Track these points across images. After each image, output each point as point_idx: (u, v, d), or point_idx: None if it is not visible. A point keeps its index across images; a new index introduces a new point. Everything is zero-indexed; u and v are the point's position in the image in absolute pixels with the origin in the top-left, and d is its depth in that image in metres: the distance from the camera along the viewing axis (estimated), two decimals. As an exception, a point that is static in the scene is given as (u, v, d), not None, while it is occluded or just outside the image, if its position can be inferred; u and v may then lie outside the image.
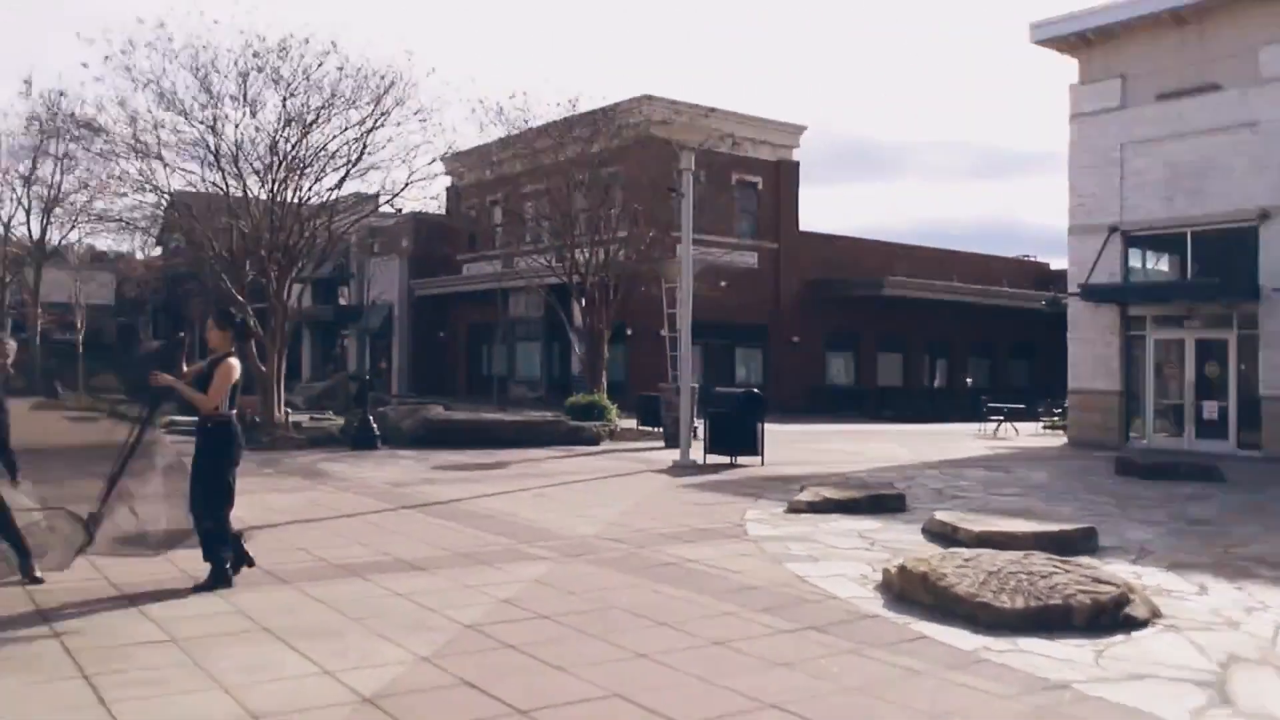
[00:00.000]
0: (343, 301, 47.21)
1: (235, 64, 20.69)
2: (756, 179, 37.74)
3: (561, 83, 70.52)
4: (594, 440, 19.73)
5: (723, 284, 29.47)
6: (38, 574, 7.30)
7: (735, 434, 16.77)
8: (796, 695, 5.20)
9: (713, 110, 29.58)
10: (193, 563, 7.52)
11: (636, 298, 26.67)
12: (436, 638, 6.09)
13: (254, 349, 21.36)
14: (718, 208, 29.09)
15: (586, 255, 24.95)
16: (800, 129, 39.49)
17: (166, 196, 22.73)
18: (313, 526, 9.94)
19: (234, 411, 7.42)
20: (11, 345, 7.44)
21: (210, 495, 7.20)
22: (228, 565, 7.29)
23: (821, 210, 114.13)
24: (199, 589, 7.12)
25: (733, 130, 29.86)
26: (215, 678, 5.27)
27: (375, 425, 18.23)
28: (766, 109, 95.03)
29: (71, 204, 33.14)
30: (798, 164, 39.52)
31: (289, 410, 21.69)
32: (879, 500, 11.69)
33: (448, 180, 34.37)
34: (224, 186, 21.54)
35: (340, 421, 20.64)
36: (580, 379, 27.64)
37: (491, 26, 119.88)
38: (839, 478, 14.42)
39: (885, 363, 41.45)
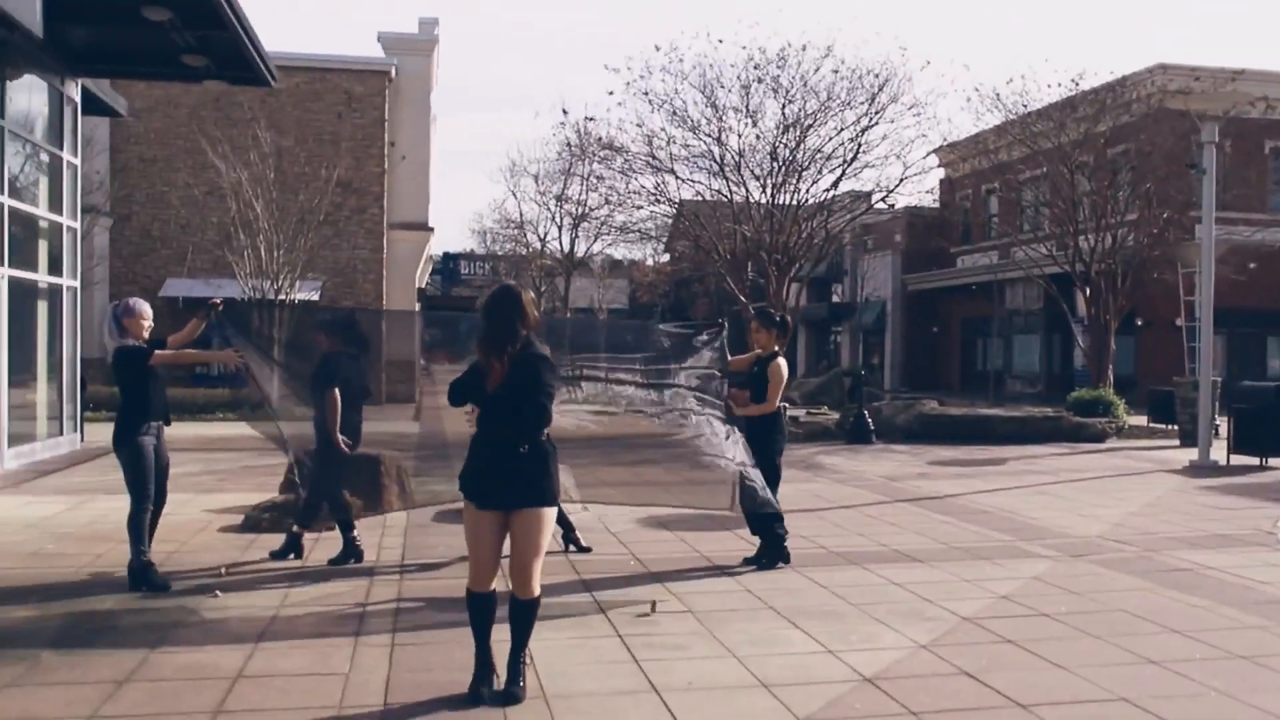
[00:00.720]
0: (836, 299, 48.17)
1: (738, 78, 22.05)
2: (1297, 143, 33.36)
3: (1063, 61, 66.81)
4: (1098, 437, 18.62)
5: (1251, 266, 26.50)
6: (584, 544, 8.34)
7: (1267, 432, 15.09)
8: (1338, 720, 4.72)
9: (1240, 72, 26.64)
10: (707, 544, 8.24)
11: (1148, 285, 24.74)
12: (934, 627, 6.21)
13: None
14: (1246, 181, 26.21)
15: (1091, 242, 23.56)
16: (1357, 78, 34.30)
17: (676, 206, 24.64)
18: (813, 516, 10.39)
19: (781, 406, 8.06)
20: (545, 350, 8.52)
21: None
22: (785, 541, 7.89)
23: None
24: (752, 563, 7.85)
25: (1265, 92, 26.69)
26: (728, 647, 5.77)
27: (870, 420, 18.51)
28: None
29: (595, 218, 36.82)
30: (1353, 121, 34.35)
31: (785, 405, 22.59)
32: None
33: (941, 172, 33.98)
34: (727, 193, 22.96)
35: (835, 416, 21.16)
36: (1083, 373, 26.16)
37: (989, 11, 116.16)
38: (1402, 485, 12.55)
39: None
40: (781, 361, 8.02)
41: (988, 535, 9.34)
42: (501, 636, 4.97)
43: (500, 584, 5.01)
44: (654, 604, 6.59)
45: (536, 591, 4.92)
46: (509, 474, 4.82)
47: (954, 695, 5.03)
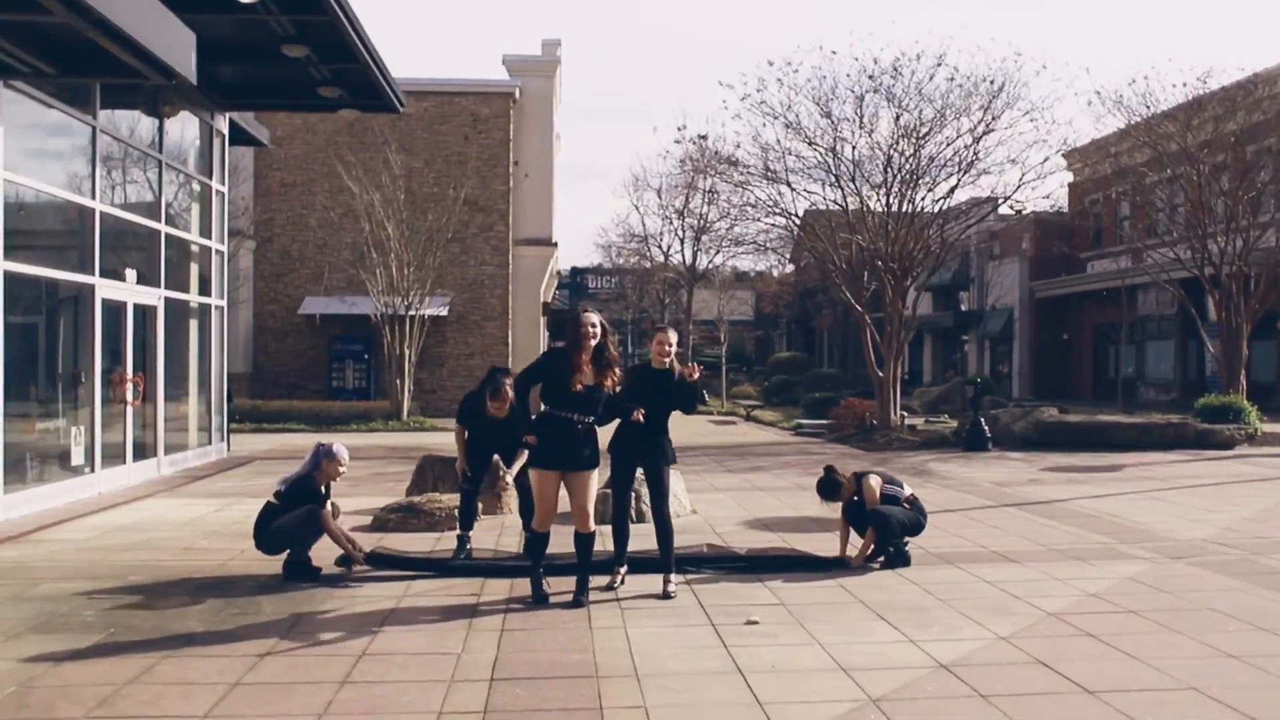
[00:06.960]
0: (963, 307, 47.49)
1: (851, 89, 22.17)
2: None
3: (1188, 59, 64.45)
4: (1226, 444, 18.16)
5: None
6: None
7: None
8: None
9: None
10: (808, 545, 8.56)
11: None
12: (1017, 621, 6.43)
13: (871, 355, 22.64)
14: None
15: (1221, 244, 22.88)
16: None
17: (795, 219, 24.86)
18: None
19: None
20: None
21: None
22: (906, 548, 8.20)
23: None
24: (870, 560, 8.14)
25: None
26: (813, 635, 6.12)
27: (986, 427, 18.45)
28: None
29: (715, 231, 37.25)
30: None
31: (904, 414, 22.61)
32: None
33: (1067, 177, 33.38)
34: (843, 203, 23.09)
35: (953, 424, 21.12)
36: (1217, 380, 25.40)
37: (1106, 12, 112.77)
38: None
39: None
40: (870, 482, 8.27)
41: (1088, 538, 9.42)
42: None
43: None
44: (752, 620, 6.52)
45: (593, 528, 6.92)
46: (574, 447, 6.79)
47: (1025, 681, 5.29)
